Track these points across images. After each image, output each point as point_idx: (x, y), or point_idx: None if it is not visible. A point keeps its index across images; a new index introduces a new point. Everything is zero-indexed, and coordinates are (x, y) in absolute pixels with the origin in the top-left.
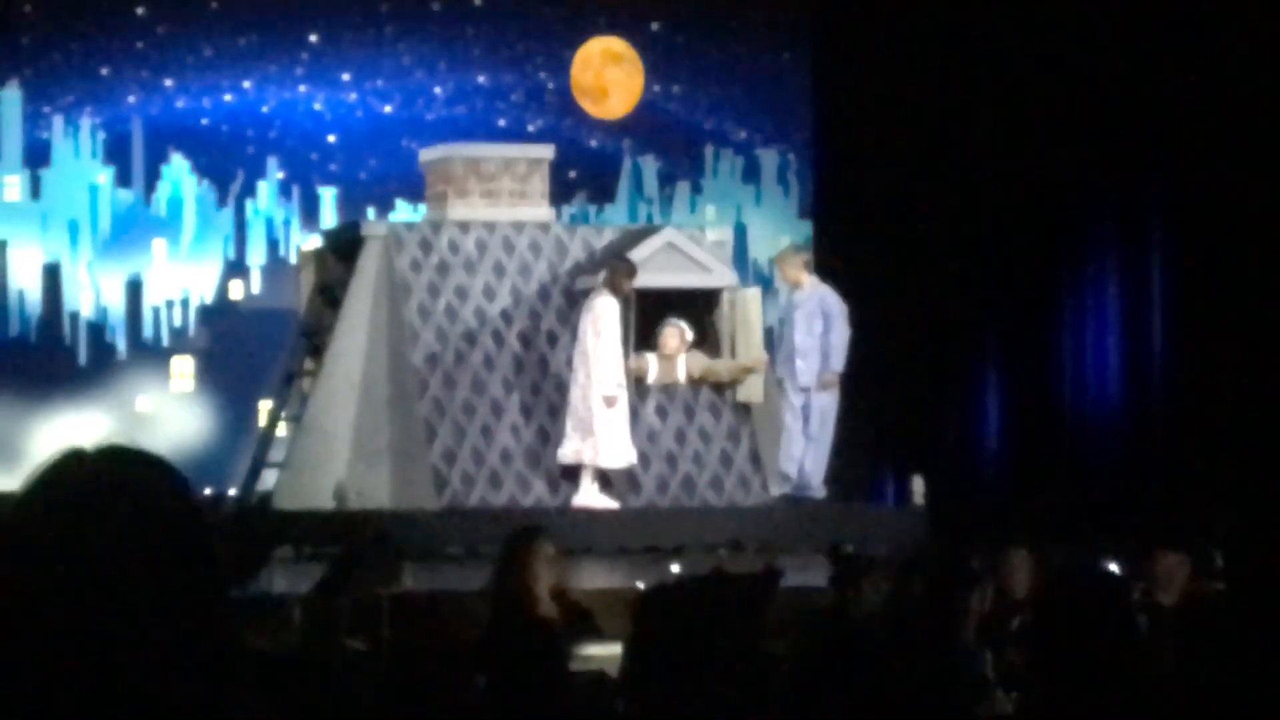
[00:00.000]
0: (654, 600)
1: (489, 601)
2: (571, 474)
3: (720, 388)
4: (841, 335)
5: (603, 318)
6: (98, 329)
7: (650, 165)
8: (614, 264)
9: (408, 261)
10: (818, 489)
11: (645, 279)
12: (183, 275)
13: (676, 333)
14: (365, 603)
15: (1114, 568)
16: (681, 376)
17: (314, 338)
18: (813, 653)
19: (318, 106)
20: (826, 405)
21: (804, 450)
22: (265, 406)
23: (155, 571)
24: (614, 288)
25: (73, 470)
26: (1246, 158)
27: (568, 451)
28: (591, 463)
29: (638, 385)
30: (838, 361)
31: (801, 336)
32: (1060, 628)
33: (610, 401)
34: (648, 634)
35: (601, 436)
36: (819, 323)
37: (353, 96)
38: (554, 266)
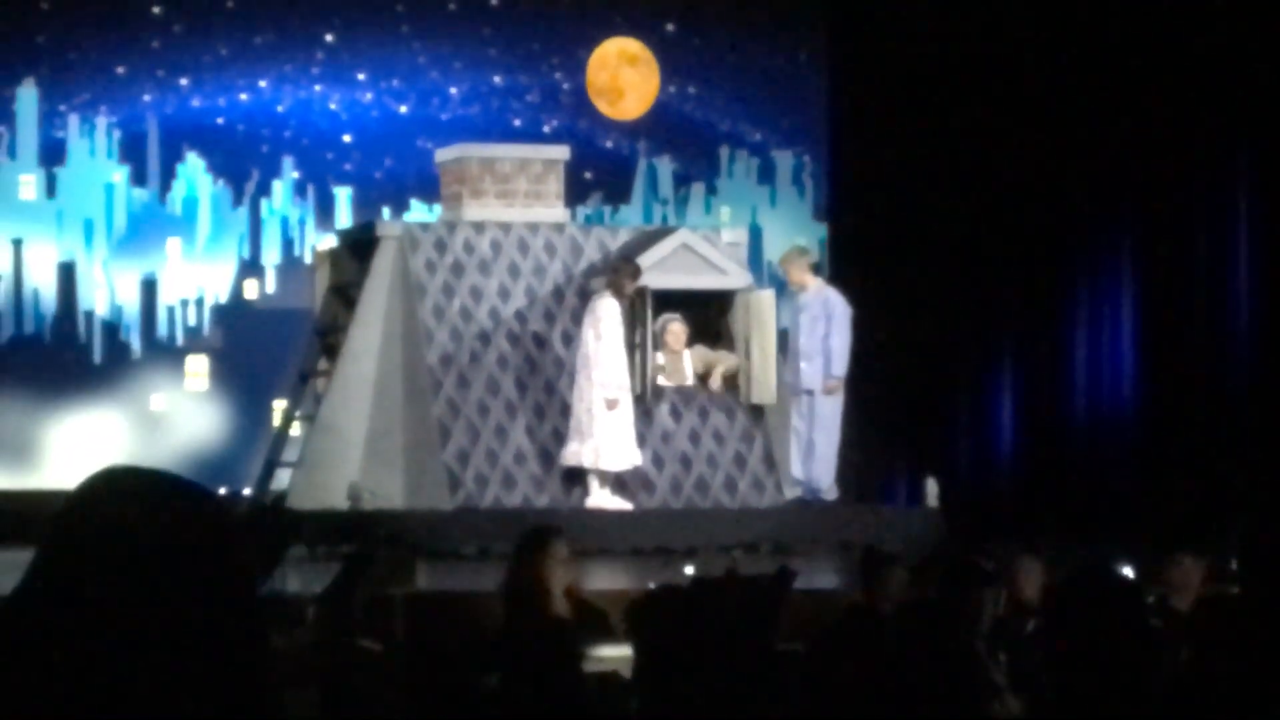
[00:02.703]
0: (649, 605)
1: (502, 601)
2: (574, 476)
3: (733, 385)
4: (842, 339)
5: (604, 320)
6: (112, 328)
7: (665, 166)
8: (618, 265)
9: (422, 261)
10: (828, 491)
11: (660, 280)
12: (197, 274)
13: (680, 327)
14: (379, 602)
15: (1128, 571)
16: (689, 370)
17: (328, 337)
18: (833, 648)
19: (333, 106)
20: (831, 409)
21: (810, 454)
22: (280, 406)
23: (190, 581)
24: (617, 289)
25: (110, 487)
26: (1260, 157)
27: (568, 454)
28: (592, 465)
29: (655, 391)
30: (839, 366)
31: (805, 339)
32: (1073, 631)
33: (611, 404)
34: (661, 634)
35: (602, 439)
36: (822, 325)
37: (368, 96)
38: (569, 267)
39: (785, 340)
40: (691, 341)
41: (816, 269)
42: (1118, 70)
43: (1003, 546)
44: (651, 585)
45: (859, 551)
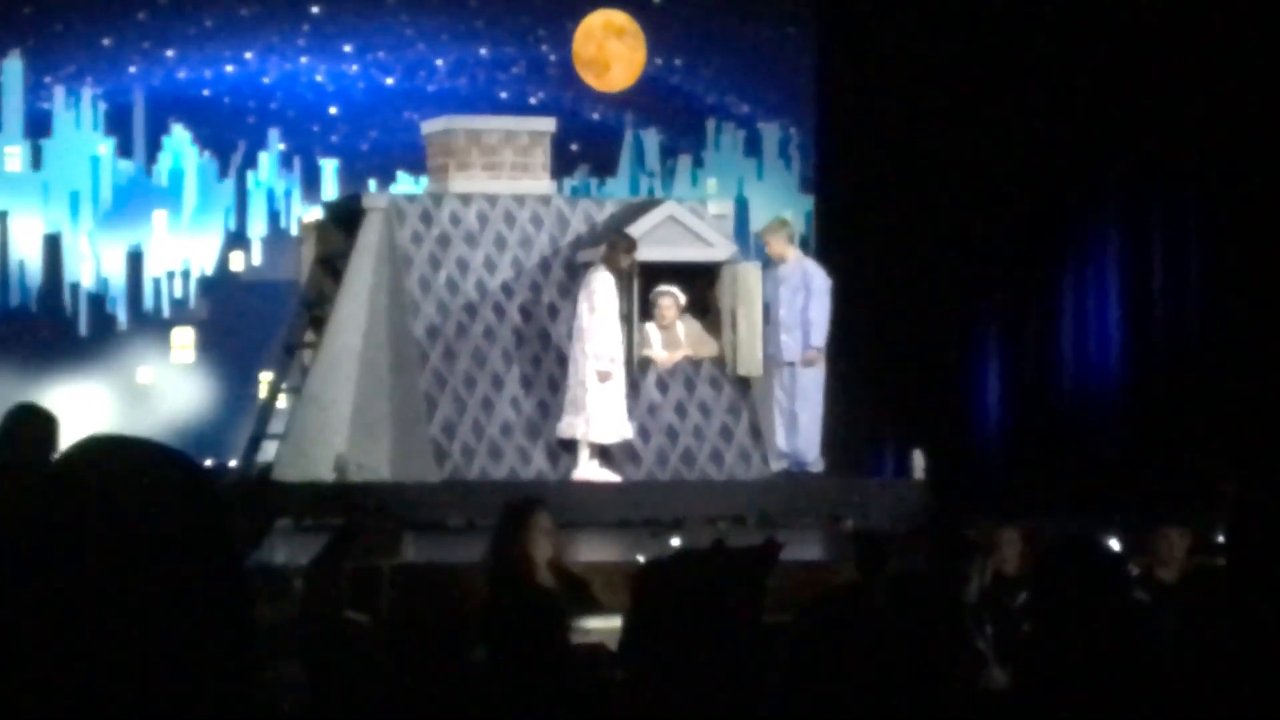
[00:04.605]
0: (653, 574)
1: (486, 573)
2: (570, 448)
3: (720, 362)
4: (821, 310)
5: (598, 293)
6: (98, 300)
7: (652, 138)
8: (613, 239)
9: (409, 234)
10: (814, 463)
11: (646, 252)
12: (183, 246)
13: (672, 301)
14: (365, 574)
15: (1114, 543)
16: (684, 341)
17: (315, 309)
18: (820, 625)
19: (319, 78)
20: (812, 381)
21: (793, 426)
22: (266, 378)
23: (176, 551)
24: (612, 263)
25: (95, 456)
26: (1244, 132)
27: (563, 426)
28: (585, 438)
29: (641, 364)
30: (818, 337)
31: (785, 311)
32: (1058, 603)
33: (604, 376)
34: (648, 606)
35: (594, 411)
36: (801, 297)
37: (354, 68)
38: (555, 239)
39: (767, 313)
40: (683, 312)
41: (796, 241)
42: (1105, 45)
43: (987, 519)
44: (640, 558)
45: (851, 532)
